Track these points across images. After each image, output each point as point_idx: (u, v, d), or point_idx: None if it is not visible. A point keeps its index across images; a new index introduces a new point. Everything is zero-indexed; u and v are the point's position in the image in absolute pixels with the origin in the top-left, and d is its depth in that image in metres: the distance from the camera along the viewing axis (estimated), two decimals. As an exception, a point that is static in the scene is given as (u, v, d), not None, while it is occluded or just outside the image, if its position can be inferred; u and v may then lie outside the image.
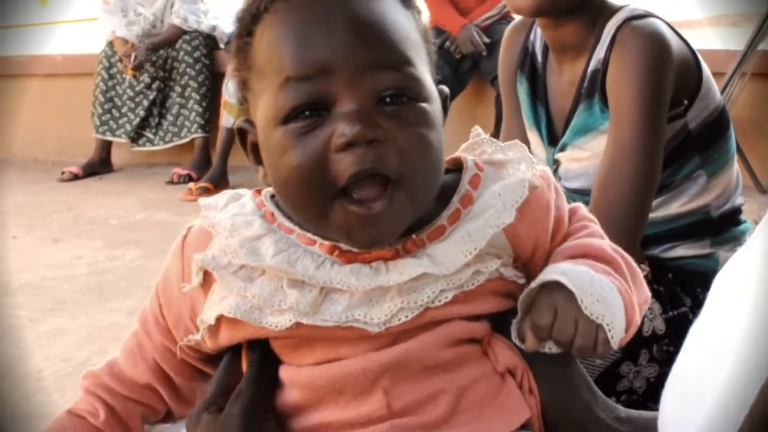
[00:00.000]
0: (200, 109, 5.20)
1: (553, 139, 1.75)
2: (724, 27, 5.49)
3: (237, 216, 0.87)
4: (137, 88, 5.29)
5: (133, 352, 0.97)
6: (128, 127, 5.30)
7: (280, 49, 0.81)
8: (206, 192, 4.42)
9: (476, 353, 0.87)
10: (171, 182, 5.00)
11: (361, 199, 0.78)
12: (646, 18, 1.57)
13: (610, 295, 0.84)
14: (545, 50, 1.75)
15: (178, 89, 5.27)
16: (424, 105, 0.81)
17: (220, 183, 4.69)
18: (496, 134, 1.57)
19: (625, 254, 0.92)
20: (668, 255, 1.69)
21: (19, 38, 6.46)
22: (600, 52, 1.60)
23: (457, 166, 0.90)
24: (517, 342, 0.87)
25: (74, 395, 1.01)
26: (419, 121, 0.80)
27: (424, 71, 0.83)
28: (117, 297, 3.24)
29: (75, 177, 5.21)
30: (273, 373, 0.88)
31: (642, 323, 1.27)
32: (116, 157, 5.45)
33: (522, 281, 0.89)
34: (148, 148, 5.37)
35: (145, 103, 5.29)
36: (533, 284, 0.85)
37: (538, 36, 1.77)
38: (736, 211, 1.74)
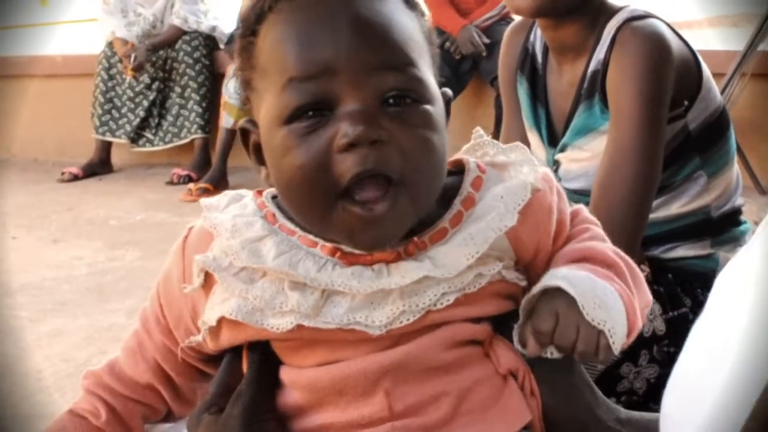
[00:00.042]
0: (200, 110, 5.20)
1: (553, 139, 1.75)
2: (724, 27, 5.50)
3: (238, 217, 0.87)
4: (137, 89, 5.28)
5: (134, 351, 0.97)
6: (128, 128, 5.30)
7: (284, 48, 0.81)
8: (206, 193, 4.42)
9: (478, 355, 0.87)
10: (171, 183, 5.01)
11: (363, 201, 0.78)
12: (646, 19, 1.57)
13: (611, 300, 0.84)
14: (545, 51, 1.75)
15: (177, 90, 5.27)
16: (427, 107, 0.81)
17: (219, 184, 4.70)
18: (496, 135, 1.57)
19: (627, 258, 0.91)
20: (668, 255, 1.69)
21: (19, 38, 6.47)
22: (600, 53, 1.59)
23: (458, 168, 0.89)
24: (518, 347, 0.86)
25: (74, 395, 1.01)
26: (422, 123, 0.80)
27: (428, 73, 0.83)
28: (117, 297, 3.24)
29: (75, 177, 5.21)
30: (274, 374, 0.88)
31: (642, 324, 1.27)
32: (116, 158, 5.45)
33: (524, 284, 0.88)
34: (148, 148, 5.37)
35: (145, 103, 5.29)
36: (534, 290, 0.85)
37: (538, 37, 1.77)
38: (736, 212, 1.74)
